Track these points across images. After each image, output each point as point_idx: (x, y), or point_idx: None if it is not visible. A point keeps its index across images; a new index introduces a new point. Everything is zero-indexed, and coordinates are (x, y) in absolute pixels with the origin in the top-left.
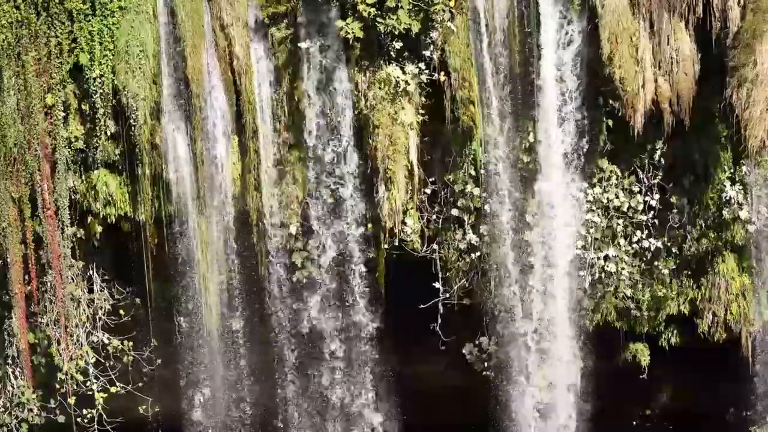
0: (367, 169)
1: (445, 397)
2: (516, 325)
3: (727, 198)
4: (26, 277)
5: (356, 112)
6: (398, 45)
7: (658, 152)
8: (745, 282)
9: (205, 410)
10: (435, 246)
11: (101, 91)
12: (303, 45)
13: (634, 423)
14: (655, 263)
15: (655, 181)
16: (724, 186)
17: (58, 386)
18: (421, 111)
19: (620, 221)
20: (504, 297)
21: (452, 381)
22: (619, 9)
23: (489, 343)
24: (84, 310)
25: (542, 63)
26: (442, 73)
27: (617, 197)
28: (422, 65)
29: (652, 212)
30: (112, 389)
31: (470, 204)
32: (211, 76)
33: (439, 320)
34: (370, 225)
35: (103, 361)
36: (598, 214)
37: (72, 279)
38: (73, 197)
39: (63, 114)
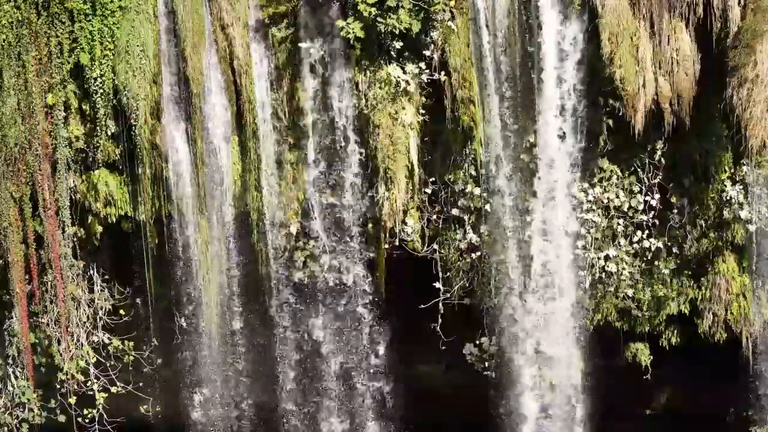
0: (368, 169)
1: (446, 397)
2: (516, 325)
3: (728, 198)
4: (27, 277)
5: (356, 112)
6: (399, 45)
7: (659, 152)
8: (745, 282)
9: (206, 410)
10: (435, 246)
11: (102, 90)
12: (303, 45)
13: (635, 423)
14: (656, 263)
15: (656, 181)
16: (725, 186)
17: (58, 386)
18: (422, 111)
19: (621, 221)
20: (504, 297)
21: (453, 381)
22: (620, 9)
23: (489, 344)
24: (84, 309)
25: (542, 62)
26: (443, 72)
27: (618, 197)
28: (423, 65)
29: (653, 212)
30: (113, 389)
31: (471, 204)
32: (212, 76)
33: (440, 320)
34: (370, 225)
35: (103, 360)
36: (599, 214)
37: (72, 279)
38: (73, 197)
39: (63, 114)
